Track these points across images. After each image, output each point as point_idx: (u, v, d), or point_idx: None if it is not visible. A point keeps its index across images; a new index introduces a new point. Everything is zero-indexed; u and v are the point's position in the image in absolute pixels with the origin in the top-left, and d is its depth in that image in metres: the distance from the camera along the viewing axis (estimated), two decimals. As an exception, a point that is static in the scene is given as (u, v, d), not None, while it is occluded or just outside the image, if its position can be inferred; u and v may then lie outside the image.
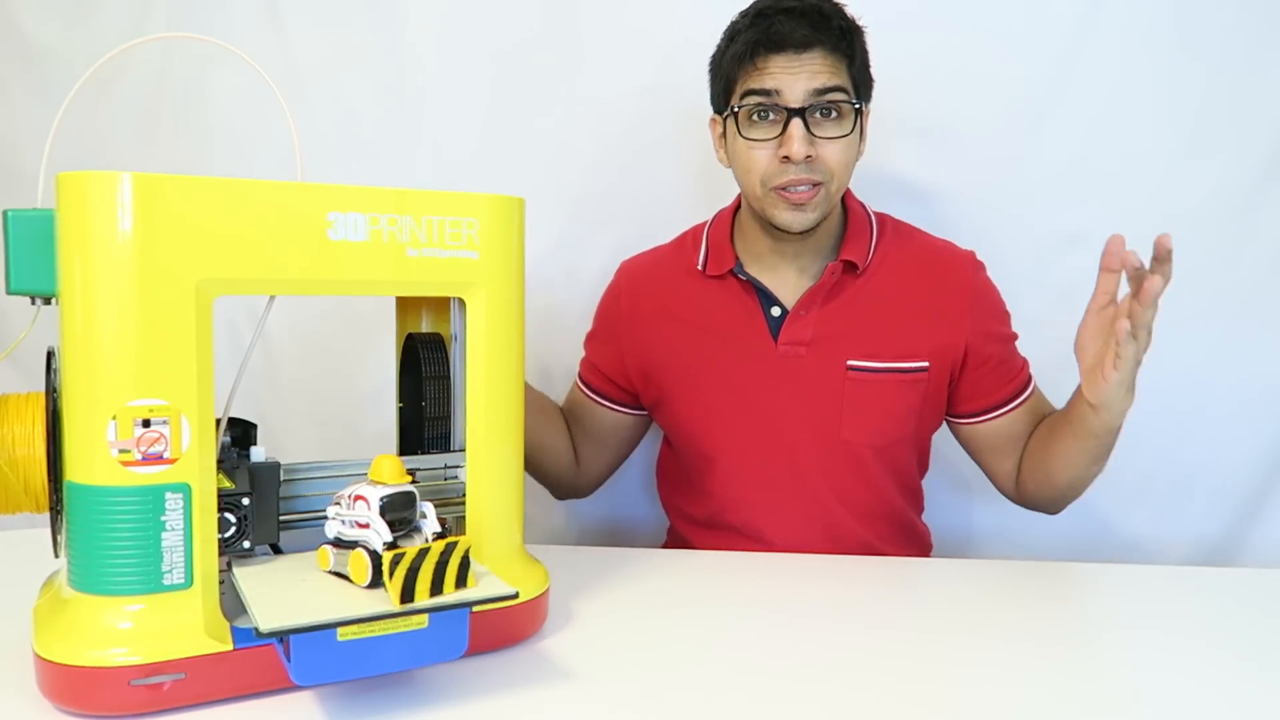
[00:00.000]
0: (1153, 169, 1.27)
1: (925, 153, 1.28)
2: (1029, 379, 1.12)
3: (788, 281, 1.09)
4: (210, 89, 1.40)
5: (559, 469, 1.19)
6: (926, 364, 1.06)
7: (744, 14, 1.03)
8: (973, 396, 1.10)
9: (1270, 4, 1.22)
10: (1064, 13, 1.26)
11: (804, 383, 1.07)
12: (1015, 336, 1.13)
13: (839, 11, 1.00)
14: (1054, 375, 1.26)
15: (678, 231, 1.23)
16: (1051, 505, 1.10)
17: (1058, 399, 1.27)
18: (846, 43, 0.99)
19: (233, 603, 0.66)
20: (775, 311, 1.08)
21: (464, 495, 0.75)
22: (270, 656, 0.64)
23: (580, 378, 1.23)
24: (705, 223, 1.17)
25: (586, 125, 1.36)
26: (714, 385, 1.10)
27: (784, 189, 1.00)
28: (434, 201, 0.69)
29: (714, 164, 1.33)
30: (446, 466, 0.79)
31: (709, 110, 1.32)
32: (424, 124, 1.38)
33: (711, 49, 1.31)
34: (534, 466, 1.17)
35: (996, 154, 1.29)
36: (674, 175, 1.36)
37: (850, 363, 1.06)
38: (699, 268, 1.12)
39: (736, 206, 1.14)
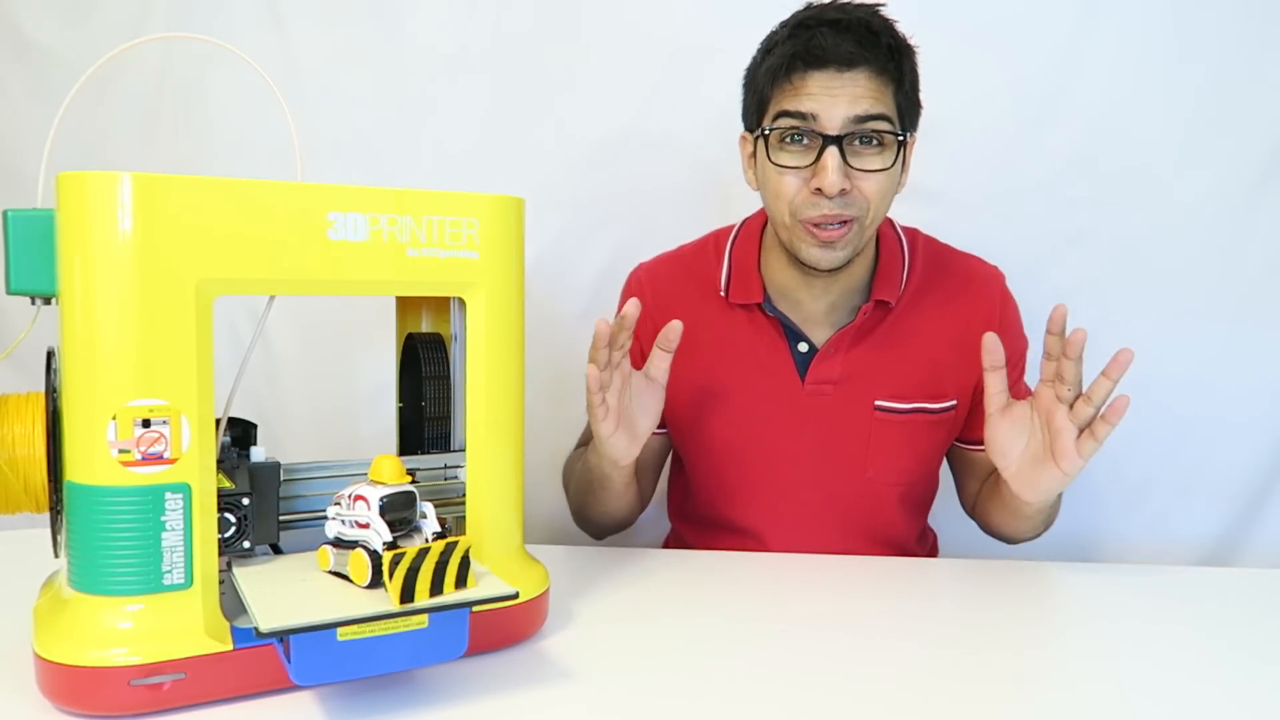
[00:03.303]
0: (1152, 169, 1.27)
1: (925, 153, 1.27)
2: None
3: (816, 317, 1.03)
4: (210, 89, 1.40)
5: (638, 513, 1.13)
6: (954, 402, 1.04)
7: (784, 24, 0.94)
8: (976, 424, 1.06)
9: (1269, 4, 1.22)
10: (1063, 13, 1.26)
11: (830, 422, 1.03)
12: (1024, 366, 1.10)
13: (889, 28, 0.92)
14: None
15: (677, 232, 1.22)
16: (1003, 541, 1.10)
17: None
18: (895, 64, 0.91)
19: (233, 603, 0.66)
20: (803, 348, 1.03)
21: (464, 495, 0.75)
22: (270, 656, 0.64)
23: None
24: (730, 232, 1.10)
25: (586, 125, 1.36)
26: (736, 420, 1.05)
27: (815, 225, 0.92)
28: (434, 201, 0.69)
29: (714, 165, 1.34)
30: (446, 466, 0.79)
31: (709, 111, 1.32)
32: (424, 124, 1.38)
33: (712, 49, 1.31)
34: (618, 524, 1.11)
35: (996, 154, 1.29)
36: (674, 176, 1.36)
37: (878, 403, 1.02)
38: (722, 293, 1.05)
39: (764, 223, 1.07)
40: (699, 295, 1.07)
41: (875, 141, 0.92)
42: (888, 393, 1.03)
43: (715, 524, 1.11)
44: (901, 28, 0.95)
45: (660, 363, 0.90)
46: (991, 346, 0.88)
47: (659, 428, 1.13)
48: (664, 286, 1.10)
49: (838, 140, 0.89)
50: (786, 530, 1.06)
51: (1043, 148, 1.28)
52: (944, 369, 1.03)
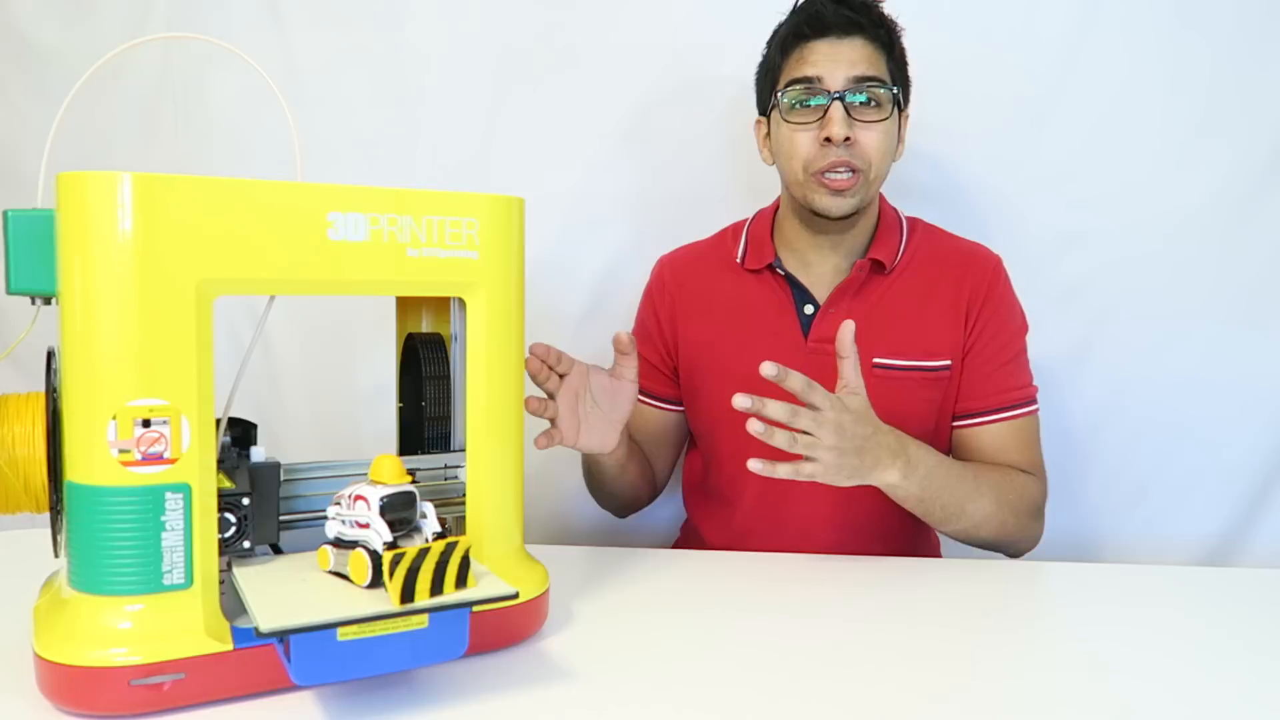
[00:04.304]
0: (1154, 169, 1.27)
1: (926, 152, 1.28)
2: (1029, 399, 1.10)
3: (823, 279, 1.11)
4: (210, 89, 1.40)
5: (647, 492, 1.21)
6: (948, 362, 1.08)
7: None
8: (963, 395, 1.09)
9: (1270, 3, 1.22)
10: (1065, 12, 1.26)
11: (831, 379, 1.04)
12: (1022, 349, 1.11)
13: (877, 6, 1.05)
14: (1054, 375, 1.26)
15: (677, 232, 1.24)
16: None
17: (1059, 397, 1.28)
18: (886, 33, 1.03)
19: (233, 603, 0.66)
20: (808, 309, 1.10)
21: (464, 495, 0.75)
22: (270, 656, 0.64)
23: None
24: (746, 219, 1.19)
25: (586, 125, 1.36)
26: (744, 377, 1.08)
27: (824, 173, 1.02)
28: (434, 201, 0.69)
29: (717, 165, 1.34)
30: (446, 466, 0.79)
31: (710, 112, 1.33)
32: (424, 124, 1.38)
33: (712, 51, 1.31)
34: (628, 503, 1.19)
35: (997, 153, 1.29)
36: (675, 175, 1.36)
37: (876, 360, 1.07)
38: (738, 260, 1.15)
39: (777, 207, 1.16)
40: (716, 268, 1.17)
41: (874, 103, 1.03)
42: (885, 350, 1.08)
43: (720, 492, 1.15)
44: (893, 14, 1.05)
45: (626, 367, 0.96)
46: (843, 337, 0.92)
47: (674, 404, 1.21)
48: (683, 266, 1.20)
49: (841, 96, 1.01)
50: (786, 490, 1.07)
51: (1043, 148, 1.28)
52: (938, 330, 1.08)
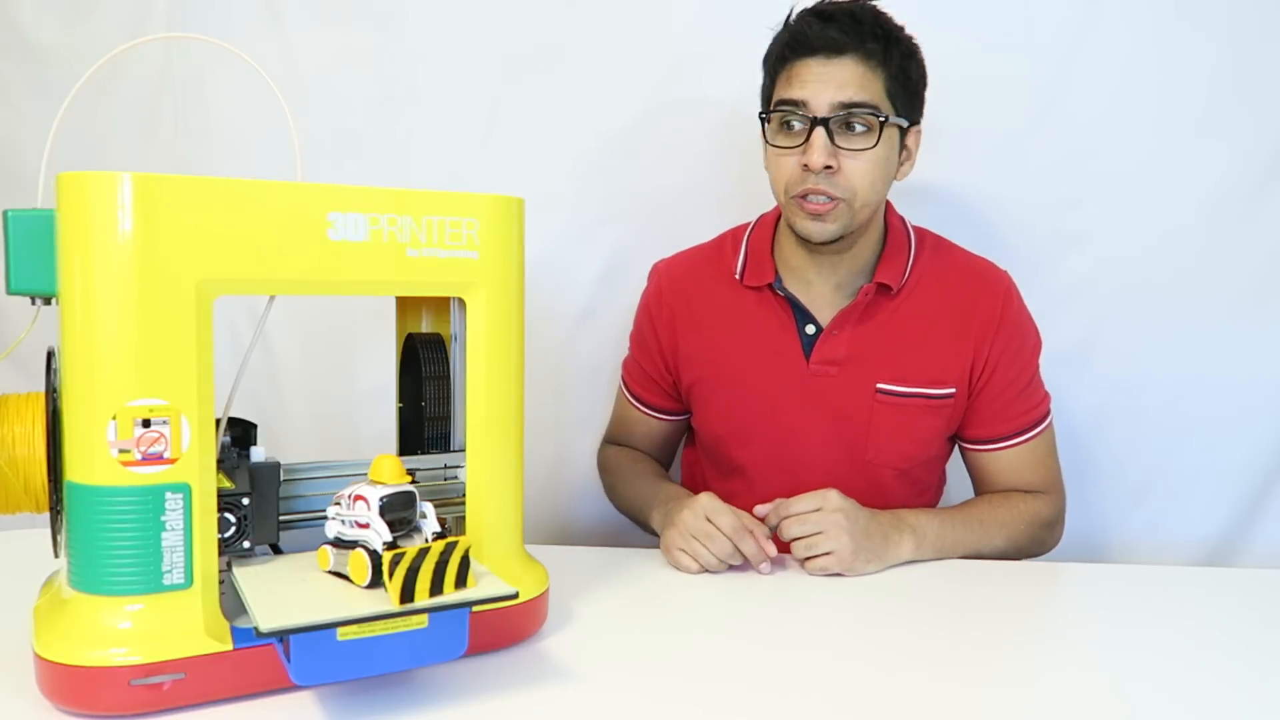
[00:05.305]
0: (1153, 169, 1.27)
1: (926, 153, 1.28)
2: (1043, 417, 1.10)
3: (824, 298, 1.08)
4: (210, 89, 1.40)
5: None
6: (953, 390, 1.06)
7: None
8: (979, 423, 1.08)
9: (1270, 3, 1.22)
10: (1065, 12, 1.26)
11: (833, 403, 1.07)
12: (1037, 369, 1.11)
13: (877, 19, 0.98)
14: (1054, 375, 1.26)
15: (676, 233, 1.23)
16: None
17: (1059, 397, 1.28)
18: (882, 50, 0.97)
19: (233, 603, 0.66)
20: (810, 330, 1.08)
21: (464, 495, 0.75)
22: (270, 656, 0.64)
23: (627, 387, 1.23)
24: (746, 226, 1.16)
25: (587, 126, 1.36)
26: (743, 398, 1.10)
27: (803, 197, 0.99)
28: (434, 201, 0.69)
29: (716, 165, 1.34)
30: (446, 466, 0.79)
31: (711, 113, 1.33)
32: (423, 124, 1.38)
33: (711, 54, 1.31)
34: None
35: (997, 154, 1.29)
36: (674, 176, 1.36)
37: (879, 386, 1.06)
38: (737, 276, 1.11)
39: (778, 216, 1.13)
40: (714, 281, 1.13)
41: (861, 129, 0.98)
42: (889, 376, 1.06)
43: (721, 497, 1.13)
44: (899, 22, 1.00)
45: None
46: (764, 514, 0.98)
47: (672, 414, 1.21)
48: (681, 276, 1.16)
49: (824, 122, 0.96)
50: (788, 495, 1.07)
51: (1043, 147, 1.28)
52: (944, 357, 1.06)
